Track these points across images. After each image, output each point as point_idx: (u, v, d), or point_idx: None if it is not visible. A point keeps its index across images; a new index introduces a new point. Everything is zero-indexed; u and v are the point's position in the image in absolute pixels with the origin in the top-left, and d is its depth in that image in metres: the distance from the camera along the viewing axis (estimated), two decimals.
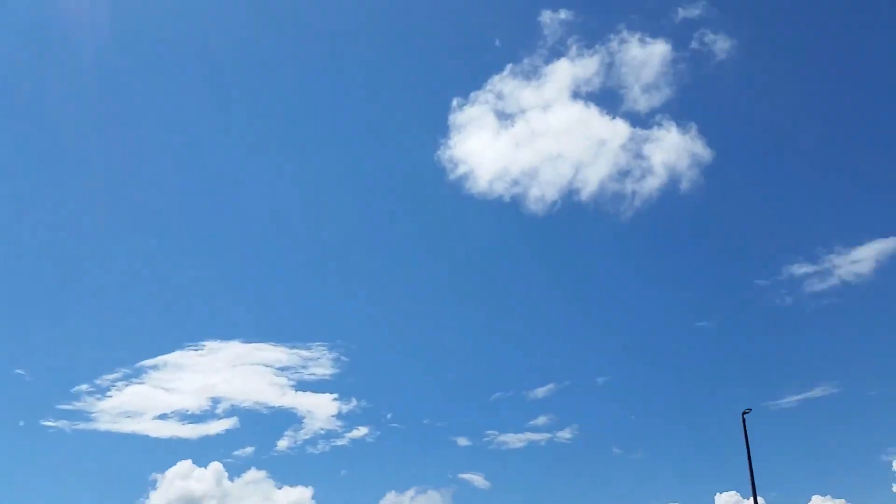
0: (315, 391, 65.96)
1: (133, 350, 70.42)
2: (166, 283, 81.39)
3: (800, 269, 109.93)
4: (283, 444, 63.03)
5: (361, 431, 64.39)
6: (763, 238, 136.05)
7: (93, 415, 60.16)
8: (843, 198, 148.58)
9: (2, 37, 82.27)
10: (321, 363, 66.61)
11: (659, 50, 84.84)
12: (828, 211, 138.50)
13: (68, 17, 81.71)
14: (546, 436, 67.65)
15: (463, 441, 67.54)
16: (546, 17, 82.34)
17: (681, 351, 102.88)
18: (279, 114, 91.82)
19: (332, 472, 64.54)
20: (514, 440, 66.96)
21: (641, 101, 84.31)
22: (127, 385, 61.88)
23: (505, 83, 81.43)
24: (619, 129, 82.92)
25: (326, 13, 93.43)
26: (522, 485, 68.24)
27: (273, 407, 64.28)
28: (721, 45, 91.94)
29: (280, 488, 57.81)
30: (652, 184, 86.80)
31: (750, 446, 34.14)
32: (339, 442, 64.18)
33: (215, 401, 62.92)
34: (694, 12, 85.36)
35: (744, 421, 34.23)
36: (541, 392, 70.53)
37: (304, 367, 66.03)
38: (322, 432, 63.70)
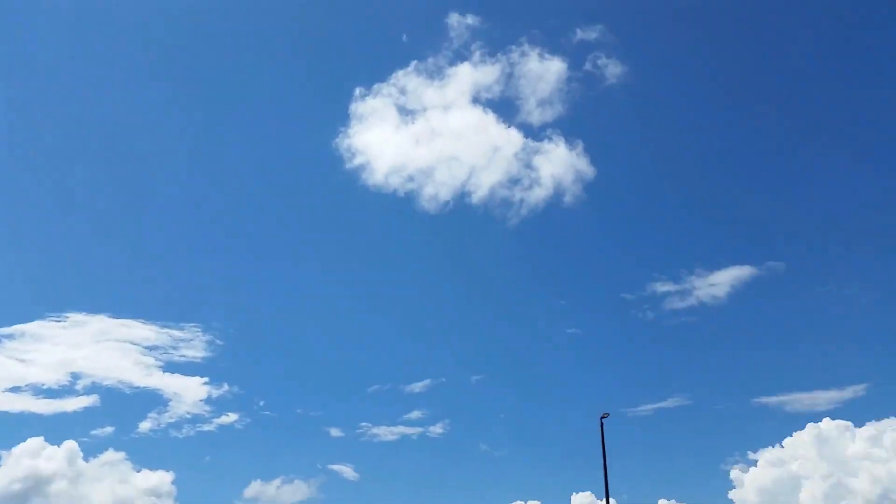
0: (184, 373, 63.05)
1: None
2: (30, 248, 77.04)
3: (663, 287, 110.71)
4: (145, 425, 60.10)
5: (231, 418, 61.59)
6: (633, 255, 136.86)
7: None
8: (707, 225, 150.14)
9: None
10: (193, 345, 63.71)
11: (556, 67, 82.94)
12: (693, 236, 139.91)
13: None
14: (418, 430, 65.01)
15: (335, 432, 64.56)
16: (454, 19, 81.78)
17: (550, 355, 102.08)
18: (172, 86, 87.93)
19: (196, 458, 61.97)
20: (387, 433, 63.75)
21: (535, 114, 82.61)
22: None
23: (409, 79, 78.85)
24: (512, 139, 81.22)
25: None
26: (391, 477, 65.77)
27: (137, 387, 61.06)
28: (612, 69, 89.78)
29: (139, 471, 54.83)
30: (539, 194, 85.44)
31: (606, 449, 33.11)
32: (206, 427, 61.42)
33: (75, 376, 59.56)
34: (591, 35, 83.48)
35: (602, 425, 33.67)
36: (417, 387, 67.88)
37: (174, 347, 63.00)
38: (188, 416, 60.83)
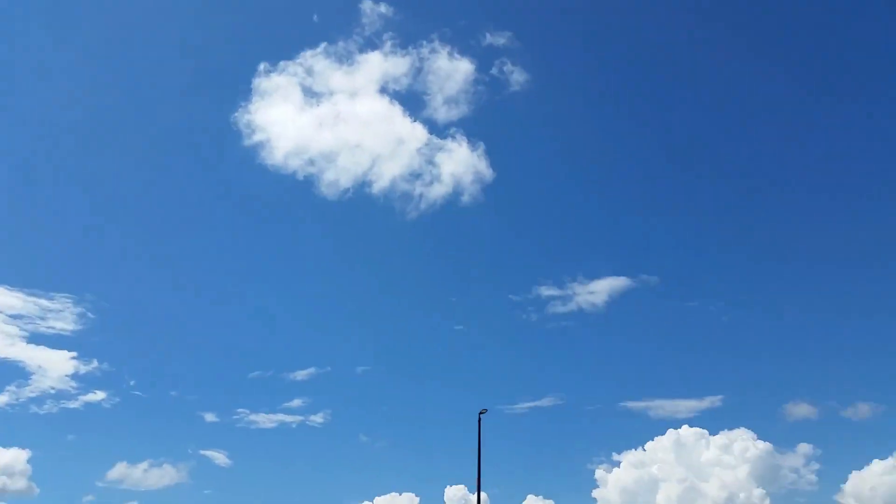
0: (51, 346, 60.12)
1: None
2: None
3: (547, 291, 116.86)
4: (2, 399, 57.23)
5: (98, 396, 59.06)
6: (522, 258, 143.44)
7: None
8: (591, 235, 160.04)
9: None
10: (63, 317, 60.74)
11: (464, 68, 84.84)
12: (577, 244, 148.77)
13: None
14: (298, 418, 64.67)
15: (210, 417, 63.12)
16: (367, 6, 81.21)
17: (436, 350, 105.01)
18: (64, 48, 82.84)
19: (57, 436, 59.50)
20: (265, 420, 63.02)
21: (441, 112, 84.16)
22: None
23: (317, 60, 77.76)
24: (417, 133, 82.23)
25: None
26: (267, 466, 65.06)
27: None
28: (517, 76, 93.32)
29: None
30: (438, 191, 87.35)
31: (482, 445, 33.27)
32: (71, 404, 58.67)
33: None
34: (499, 41, 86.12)
35: (479, 420, 33.67)
36: (300, 375, 67.47)
37: (41, 317, 59.88)
38: (52, 392, 57.99)
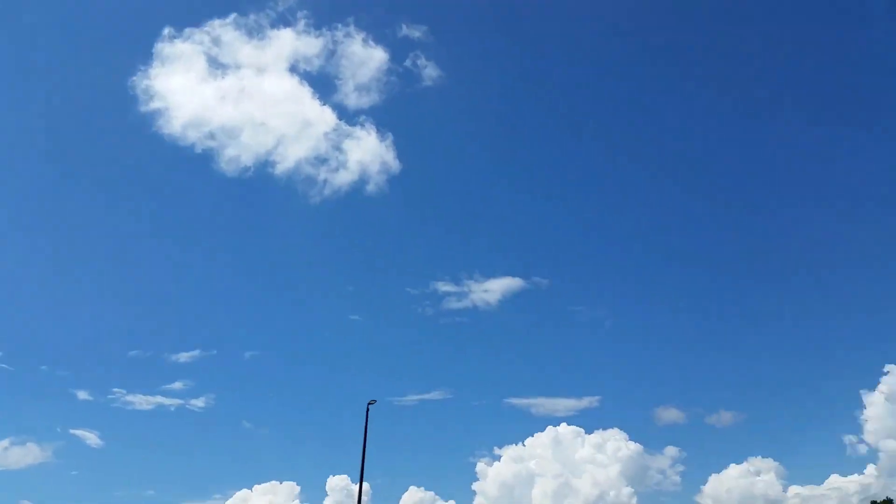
0: None
1: None
2: None
3: (444, 287, 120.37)
4: None
5: None
6: (422, 252, 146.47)
7: None
8: (489, 235, 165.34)
9: None
10: None
11: (378, 56, 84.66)
12: (476, 243, 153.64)
13: None
14: (178, 401, 62.80)
15: (83, 395, 60.17)
16: None
17: (329, 339, 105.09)
18: None
19: None
20: (143, 402, 60.88)
21: (352, 98, 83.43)
22: None
23: (226, 31, 75.20)
24: (326, 117, 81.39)
25: None
26: (141, 449, 62.93)
27: None
28: (431, 71, 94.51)
29: None
30: (344, 178, 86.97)
31: (368, 436, 33.30)
32: None
33: None
34: (415, 33, 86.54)
35: (367, 411, 33.74)
36: (183, 357, 65.50)
37: None
38: None
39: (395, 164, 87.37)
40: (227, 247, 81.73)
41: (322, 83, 78.70)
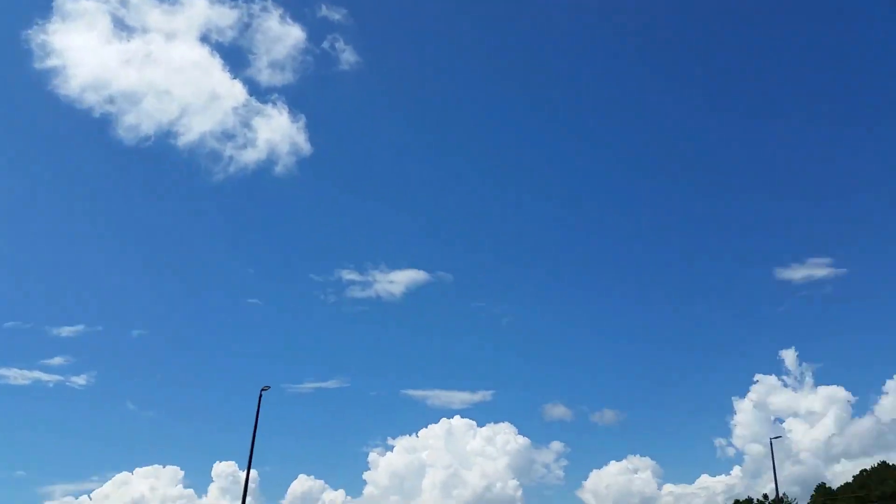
0: None
1: None
2: None
3: (349, 276, 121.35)
4: None
5: None
6: (328, 239, 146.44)
7: None
8: (396, 226, 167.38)
9: None
10: None
11: (295, 34, 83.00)
12: (382, 234, 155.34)
13: None
14: (58, 378, 59.94)
15: None
16: None
17: (224, 320, 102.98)
18: None
19: None
20: (19, 376, 57.84)
21: (265, 75, 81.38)
22: None
23: None
24: (236, 92, 79.06)
25: None
26: (14, 425, 59.76)
27: None
28: (348, 56, 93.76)
29: None
30: (251, 156, 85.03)
31: (260, 422, 33.39)
32: None
33: None
34: (335, 16, 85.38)
35: (260, 397, 33.41)
36: (66, 331, 62.58)
37: None
38: None
39: (305, 147, 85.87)
40: (120, 218, 78.25)
41: (234, 56, 76.28)
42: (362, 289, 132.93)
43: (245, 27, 75.24)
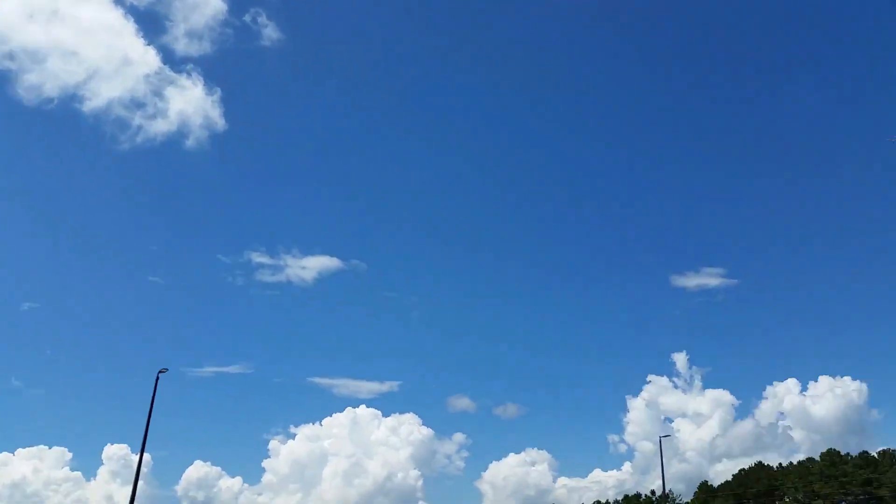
0: None
1: None
2: None
3: (259, 258, 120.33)
4: None
5: None
6: (239, 219, 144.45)
7: None
8: (311, 211, 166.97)
9: None
10: None
11: (216, 4, 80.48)
12: (296, 218, 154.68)
13: None
14: None
15: None
16: None
17: (123, 298, 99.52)
18: None
19: None
20: None
21: (181, 44, 78.31)
22: None
23: None
24: (149, 59, 75.92)
25: None
26: None
27: None
28: (271, 32, 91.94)
29: None
30: (160, 127, 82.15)
31: (155, 404, 32.43)
32: None
33: None
34: None
35: (157, 379, 32.56)
36: None
37: None
38: None
39: (220, 122, 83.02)
40: (14, 183, 73.72)
41: (149, 21, 73.22)
42: (272, 273, 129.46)
43: None
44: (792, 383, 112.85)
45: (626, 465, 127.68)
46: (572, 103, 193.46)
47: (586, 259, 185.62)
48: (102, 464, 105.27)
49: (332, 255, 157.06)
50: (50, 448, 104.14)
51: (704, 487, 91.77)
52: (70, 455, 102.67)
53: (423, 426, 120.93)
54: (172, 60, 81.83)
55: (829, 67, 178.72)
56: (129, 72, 74.51)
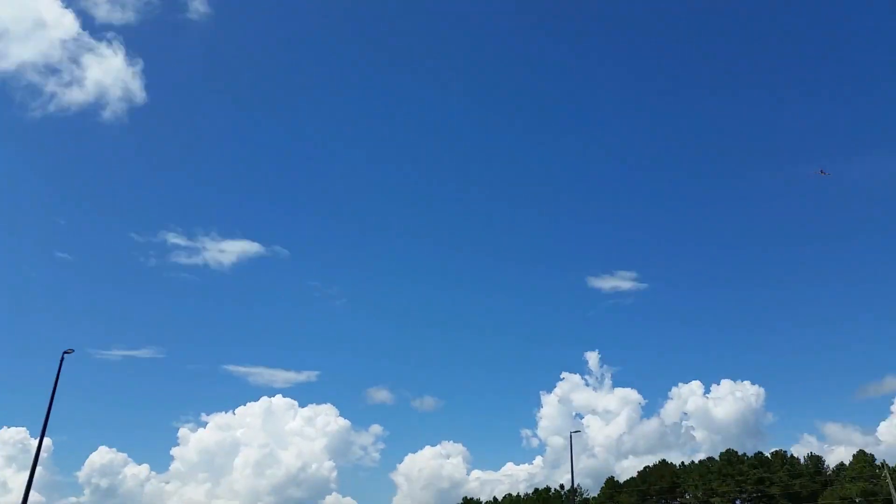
0: None
1: None
2: None
3: (175, 239, 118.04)
4: None
5: None
6: (154, 197, 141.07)
7: None
8: (231, 194, 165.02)
9: None
10: None
11: None
12: (217, 199, 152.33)
13: None
14: None
15: None
16: None
17: (27, 273, 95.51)
18: None
19: None
20: None
21: (103, 10, 75.32)
22: None
23: None
24: (66, 23, 72.12)
25: None
26: None
27: None
28: (198, 6, 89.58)
29: None
30: (76, 96, 78.49)
31: (58, 387, 31.41)
32: None
33: None
34: None
35: (62, 360, 31.47)
36: None
37: None
38: None
39: (140, 95, 79.69)
40: None
41: None
42: (189, 255, 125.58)
43: None
44: (696, 385, 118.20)
45: (538, 460, 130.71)
46: (490, 101, 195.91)
47: (508, 257, 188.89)
48: None
49: (252, 240, 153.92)
50: None
51: (611, 483, 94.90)
52: None
53: (339, 417, 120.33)
54: (92, 27, 77.82)
55: (760, 75, 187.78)
56: (44, 35, 70.52)
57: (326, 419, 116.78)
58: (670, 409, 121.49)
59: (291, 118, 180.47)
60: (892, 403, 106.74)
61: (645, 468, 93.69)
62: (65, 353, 31.45)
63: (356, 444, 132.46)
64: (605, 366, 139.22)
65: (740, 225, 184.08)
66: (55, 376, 31.02)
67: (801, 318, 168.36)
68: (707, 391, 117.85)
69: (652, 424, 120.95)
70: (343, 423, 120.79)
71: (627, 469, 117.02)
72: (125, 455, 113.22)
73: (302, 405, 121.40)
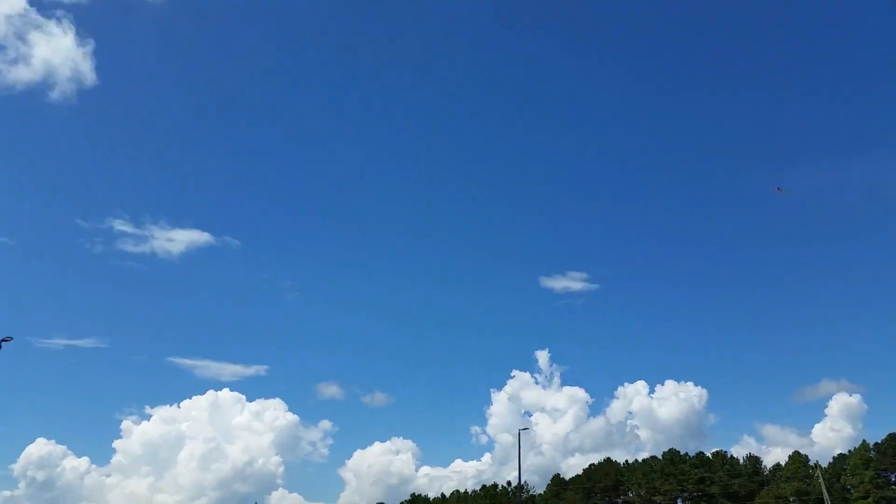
0: None
1: None
2: None
3: (122, 226, 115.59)
4: None
5: None
6: (101, 182, 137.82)
7: None
8: (183, 179, 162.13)
9: None
10: None
11: None
12: (166, 186, 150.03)
13: None
14: None
15: None
16: None
17: None
18: None
19: None
20: None
21: None
22: None
23: None
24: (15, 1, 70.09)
25: None
26: None
27: None
28: None
29: None
30: (22, 75, 76.10)
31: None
32: None
33: None
34: None
35: None
36: None
37: None
38: None
39: (90, 76, 77.17)
40: None
41: None
42: (136, 243, 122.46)
43: None
44: (641, 385, 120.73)
45: (487, 456, 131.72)
46: (449, 102, 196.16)
47: (462, 255, 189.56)
48: None
49: (203, 230, 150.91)
50: None
51: (557, 480, 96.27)
52: None
53: (288, 412, 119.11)
54: (40, 3, 74.87)
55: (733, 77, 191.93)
56: None
57: (275, 414, 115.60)
58: (616, 409, 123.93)
59: (251, 106, 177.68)
60: (827, 406, 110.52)
61: (590, 466, 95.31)
62: (2, 340, 30.51)
63: (304, 439, 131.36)
64: (554, 364, 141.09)
65: (691, 227, 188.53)
66: None
67: (743, 322, 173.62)
68: (652, 391, 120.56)
69: (598, 423, 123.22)
70: (291, 417, 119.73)
71: (573, 467, 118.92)
72: (64, 447, 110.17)
73: (250, 400, 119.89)
